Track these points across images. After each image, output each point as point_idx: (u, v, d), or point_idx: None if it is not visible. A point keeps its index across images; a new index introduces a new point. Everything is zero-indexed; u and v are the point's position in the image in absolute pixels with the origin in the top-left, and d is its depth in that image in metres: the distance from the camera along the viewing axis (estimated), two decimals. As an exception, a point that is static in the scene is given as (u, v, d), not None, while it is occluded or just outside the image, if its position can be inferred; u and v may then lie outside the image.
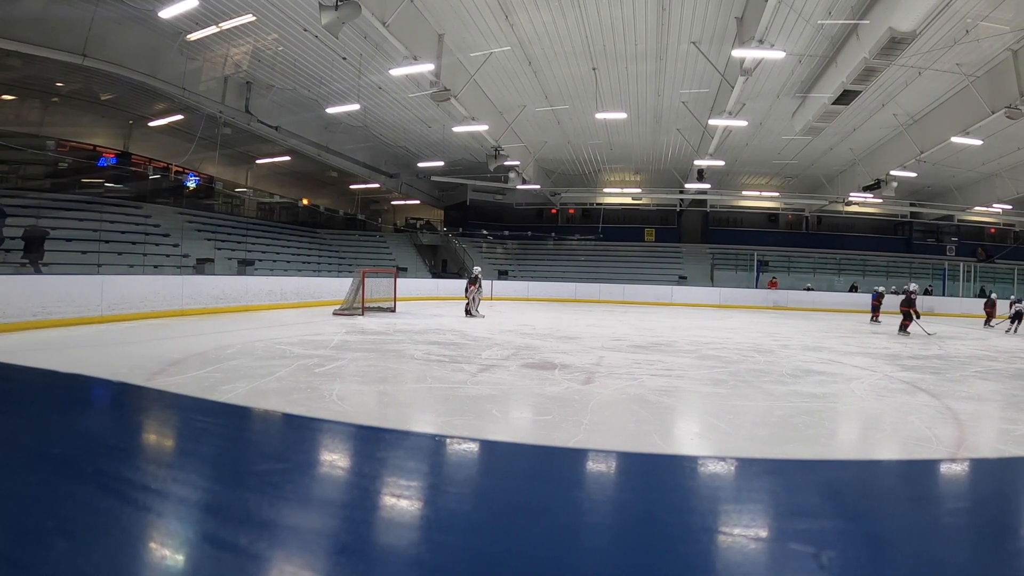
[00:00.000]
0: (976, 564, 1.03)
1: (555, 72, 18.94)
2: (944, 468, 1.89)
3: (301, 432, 1.82)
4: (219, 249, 21.65)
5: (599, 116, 19.92)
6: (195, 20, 15.29)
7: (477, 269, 17.60)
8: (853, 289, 30.08)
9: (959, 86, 17.84)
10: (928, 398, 6.97)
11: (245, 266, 21.48)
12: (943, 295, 30.37)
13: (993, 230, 36.85)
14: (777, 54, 13.83)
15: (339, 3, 11.79)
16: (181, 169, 24.96)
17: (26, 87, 19.33)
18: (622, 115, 20.89)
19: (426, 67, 15.09)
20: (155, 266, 18.55)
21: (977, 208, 31.70)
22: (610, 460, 1.73)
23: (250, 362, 7.81)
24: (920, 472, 1.75)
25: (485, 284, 27.95)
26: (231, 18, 15.24)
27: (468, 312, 16.91)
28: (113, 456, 1.40)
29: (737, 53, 14.09)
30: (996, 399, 7.32)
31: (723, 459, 1.84)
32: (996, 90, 16.49)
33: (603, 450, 4.17)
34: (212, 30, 15.82)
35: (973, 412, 6.38)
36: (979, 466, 2.04)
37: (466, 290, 17.44)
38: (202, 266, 19.63)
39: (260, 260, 23.22)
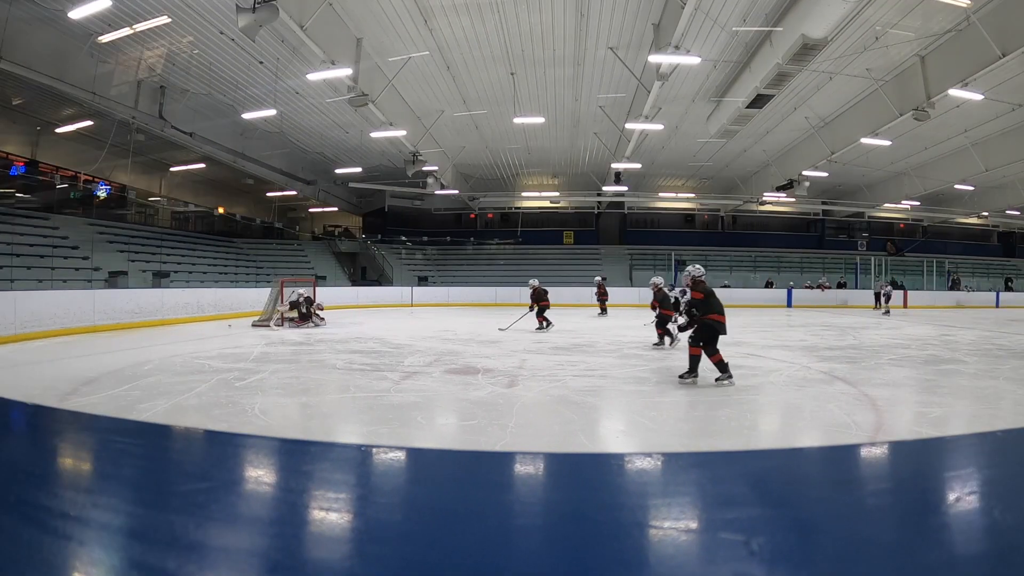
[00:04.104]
0: (900, 541, 1.07)
1: (473, 77, 18.97)
2: (864, 452, 1.95)
3: (224, 449, 1.77)
4: (133, 261, 20.75)
5: (517, 121, 19.98)
6: (107, 21, 14.52)
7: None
8: (769, 285, 31.21)
9: (868, 90, 18.79)
10: (845, 386, 7.23)
11: (160, 278, 20.68)
12: (856, 288, 31.84)
13: (902, 225, 39.04)
14: (693, 60, 14.20)
15: (257, 5, 11.46)
16: (91, 178, 23.81)
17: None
18: (540, 120, 21.02)
19: (344, 72, 14.86)
20: (64, 280, 17.66)
21: (886, 205, 33.12)
22: (538, 462, 1.74)
23: (168, 378, 7.52)
24: (842, 457, 1.81)
25: (404, 291, 27.89)
26: (145, 19, 14.54)
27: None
28: (29, 483, 1.33)
29: (654, 58, 14.40)
30: (910, 384, 7.63)
31: (649, 455, 1.87)
32: (904, 93, 17.39)
33: (530, 452, 4.20)
34: (125, 32, 15.05)
35: (889, 397, 6.64)
36: (898, 448, 2.13)
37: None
38: (115, 279, 18.80)
39: (176, 272, 22.37)
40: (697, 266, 8.26)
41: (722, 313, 7.55)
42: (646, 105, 17.49)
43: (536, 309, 14.86)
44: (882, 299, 24.91)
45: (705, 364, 7.41)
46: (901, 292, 29.55)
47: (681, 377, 7.51)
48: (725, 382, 7.22)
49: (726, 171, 31.03)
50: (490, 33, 16.02)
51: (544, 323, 14.73)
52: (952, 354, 10.56)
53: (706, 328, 7.49)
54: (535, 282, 15.50)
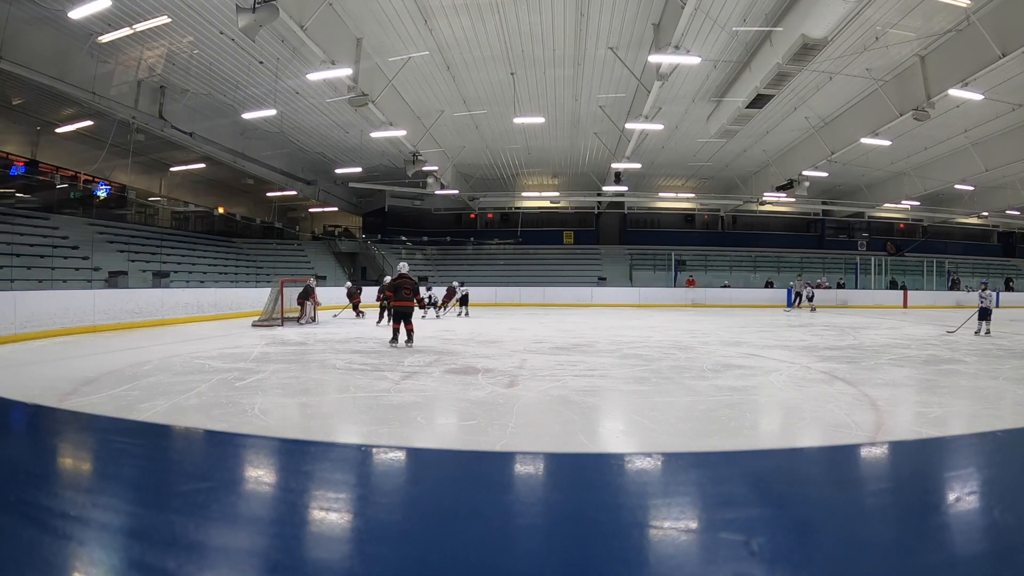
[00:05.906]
0: (900, 541, 1.07)
1: (473, 77, 18.96)
2: (864, 452, 1.93)
3: (225, 449, 1.77)
4: (133, 261, 20.77)
5: (517, 121, 19.94)
6: (107, 21, 14.48)
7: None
8: (768, 285, 31.18)
9: (868, 90, 18.76)
10: (845, 386, 7.22)
11: (160, 278, 20.68)
12: (856, 288, 31.84)
13: (902, 225, 38.98)
14: (693, 60, 14.18)
15: (257, 5, 11.43)
16: (91, 178, 23.86)
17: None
18: (540, 120, 21.02)
19: (344, 72, 14.86)
20: (64, 280, 17.68)
21: (886, 205, 33.09)
22: (538, 462, 1.73)
23: (168, 378, 7.52)
24: (841, 457, 1.80)
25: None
26: (145, 19, 14.52)
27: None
28: (29, 483, 1.33)
29: (654, 58, 14.38)
30: (910, 384, 7.62)
31: (649, 455, 1.86)
32: (904, 93, 17.36)
33: (530, 452, 4.18)
34: (125, 32, 15.03)
35: (889, 397, 6.63)
36: (898, 448, 2.12)
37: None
38: (115, 279, 18.81)
39: (176, 272, 22.39)
40: (401, 264, 11.90)
41: (401, 300, 11.08)
42: (646, 105, 17.46)
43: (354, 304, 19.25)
44: (804, 298, 25.73)
45: (704, 363, 7.40)
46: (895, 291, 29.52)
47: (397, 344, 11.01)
48: (404, 344, 10.95)
49: (726, 171, 30.99)
50: (490, 33, 16.01)
51: (360, 314, 18.96)
52: (952, 354, 10.55)
53: (395, 311, 11.26)
54: (349, 283, 20.40)
